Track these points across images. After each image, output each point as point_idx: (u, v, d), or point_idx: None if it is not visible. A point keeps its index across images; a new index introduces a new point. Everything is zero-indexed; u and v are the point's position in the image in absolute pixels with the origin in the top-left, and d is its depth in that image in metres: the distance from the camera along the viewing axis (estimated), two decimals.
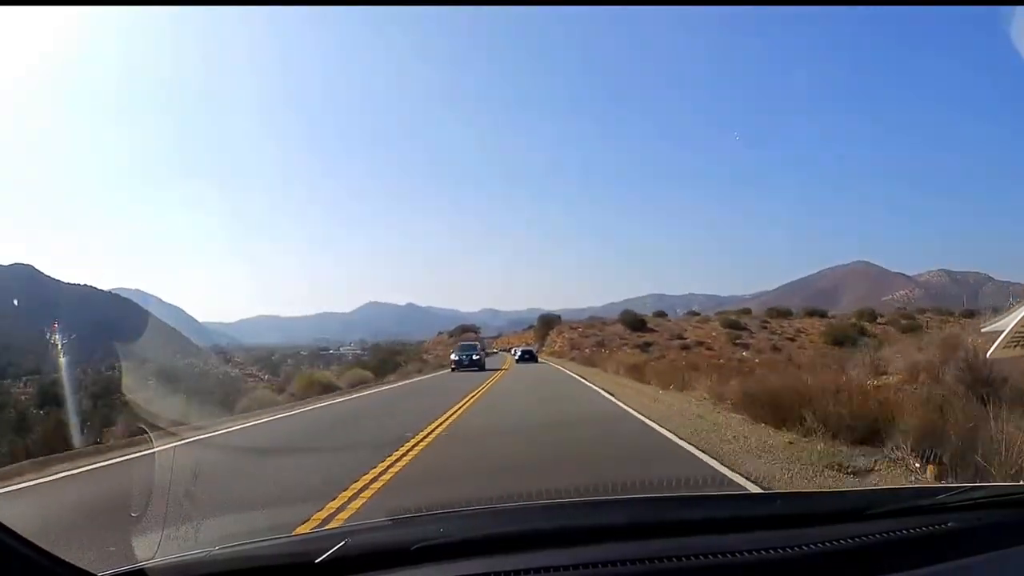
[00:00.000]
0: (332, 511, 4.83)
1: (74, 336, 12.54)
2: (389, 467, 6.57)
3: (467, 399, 14.98)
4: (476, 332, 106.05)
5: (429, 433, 9.22)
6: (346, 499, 5.20)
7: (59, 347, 12.03)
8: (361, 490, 5.54)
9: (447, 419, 10.93)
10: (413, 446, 7.93)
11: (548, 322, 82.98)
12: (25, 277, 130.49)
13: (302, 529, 4.20)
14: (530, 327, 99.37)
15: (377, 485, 5.75)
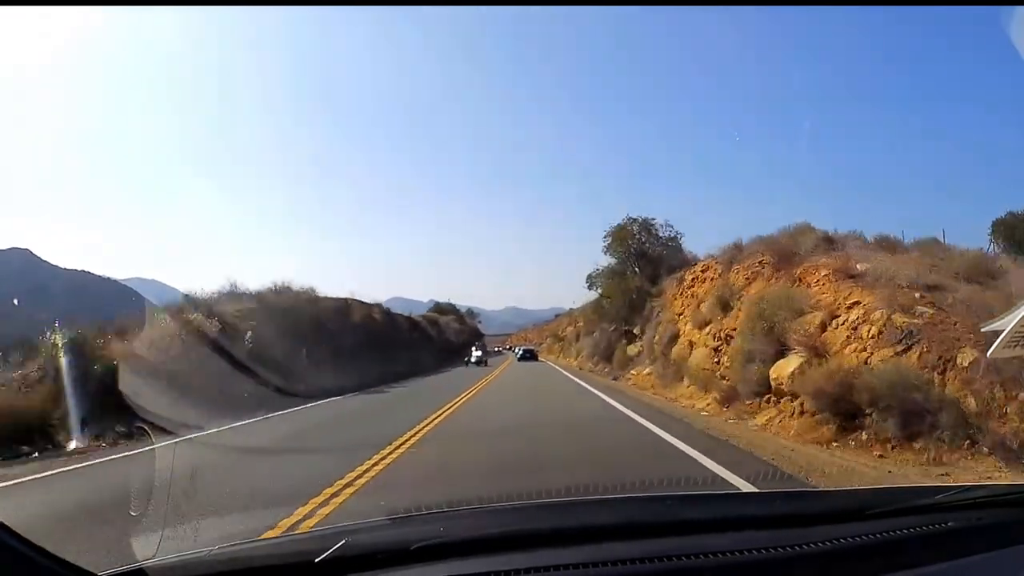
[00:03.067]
0: None
1: (76, 335, 12.40)
2: None
3: None
4: (457, 315, 65.14)
5: None
6: None
7: (59, 346, 11.97)
8: None
9: None
10: None
11: (650, 262, 24.01)
12: (21, 262, 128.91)
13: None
14: (557, 316, 67.37)
15: None
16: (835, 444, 7.35)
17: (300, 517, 4.64)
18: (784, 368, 9.31)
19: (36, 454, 9.22)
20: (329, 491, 5.36)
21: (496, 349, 73.15)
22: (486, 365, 37.10)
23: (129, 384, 11.08)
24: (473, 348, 44.57)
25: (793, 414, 8.64)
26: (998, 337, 2.09)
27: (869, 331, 8.48)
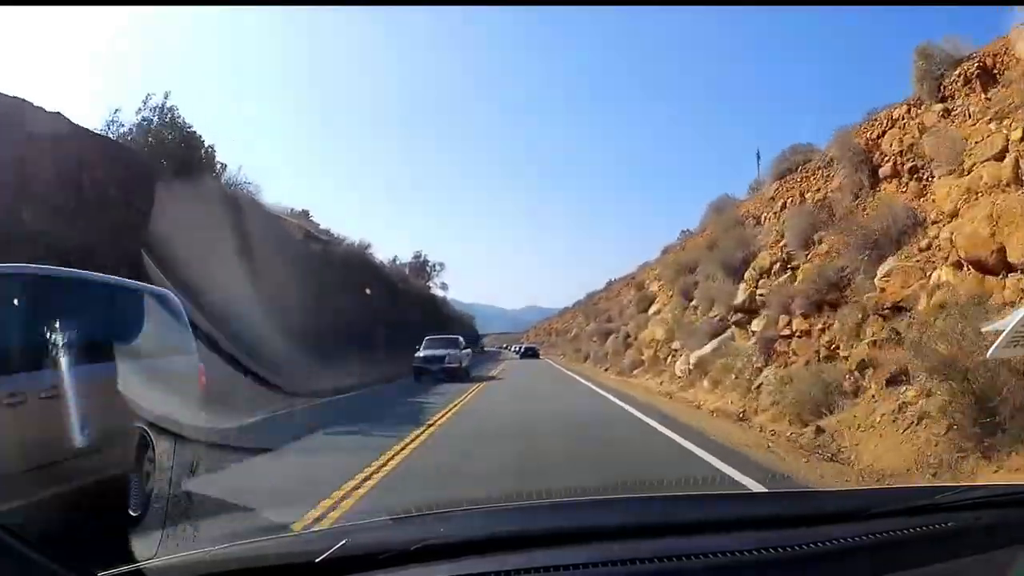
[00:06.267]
0: None
1: (74, 334, 12.02)
2: None
3: None
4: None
5: None
6: None
7: (59, 347, 11.85)
8: None
9: None
10: None
11: None
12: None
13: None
14: (577, 303, 62.37)
15: None
16: None
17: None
18: None
19: None
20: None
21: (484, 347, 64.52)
22: None
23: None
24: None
25: None
26: (999, 337, 2.09)
27: None
